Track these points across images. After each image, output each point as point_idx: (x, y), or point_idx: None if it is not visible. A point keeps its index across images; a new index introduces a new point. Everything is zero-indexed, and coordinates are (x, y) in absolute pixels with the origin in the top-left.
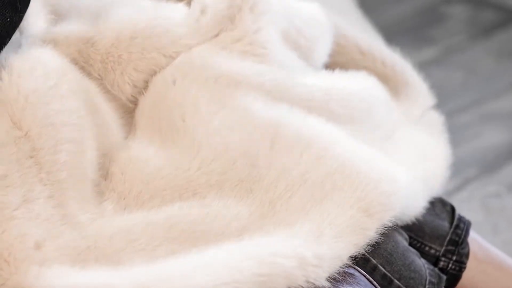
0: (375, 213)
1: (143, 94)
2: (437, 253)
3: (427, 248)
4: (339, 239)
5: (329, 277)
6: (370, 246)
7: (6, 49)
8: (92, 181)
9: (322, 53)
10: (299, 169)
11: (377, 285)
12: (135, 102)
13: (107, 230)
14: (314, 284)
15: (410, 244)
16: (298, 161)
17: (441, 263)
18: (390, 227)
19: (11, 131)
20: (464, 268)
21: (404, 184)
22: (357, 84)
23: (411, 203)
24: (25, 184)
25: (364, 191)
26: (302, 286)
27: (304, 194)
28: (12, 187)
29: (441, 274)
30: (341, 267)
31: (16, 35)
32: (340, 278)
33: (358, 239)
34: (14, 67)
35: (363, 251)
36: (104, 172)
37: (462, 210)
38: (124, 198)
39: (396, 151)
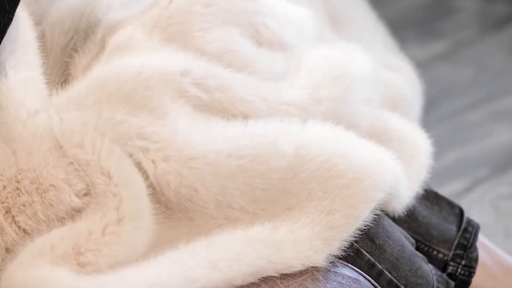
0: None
1: None
2: (446, 258)
3: (435, 252)
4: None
5: (332, 282)
6: (376, 249)
7: None
8: None
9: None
10: None
11: None
12: None
13: None
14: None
15: (418, 248)
16: None
17: (450, 268)
18: (397, 230)
19: None
20: (474, 273)
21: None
22: None
23: (401, 189)
24: None
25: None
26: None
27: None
28: None
29: (449, 280)
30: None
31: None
32: (344, 283)
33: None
34: None
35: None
36: None
37: (472, 212)
38: None
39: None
